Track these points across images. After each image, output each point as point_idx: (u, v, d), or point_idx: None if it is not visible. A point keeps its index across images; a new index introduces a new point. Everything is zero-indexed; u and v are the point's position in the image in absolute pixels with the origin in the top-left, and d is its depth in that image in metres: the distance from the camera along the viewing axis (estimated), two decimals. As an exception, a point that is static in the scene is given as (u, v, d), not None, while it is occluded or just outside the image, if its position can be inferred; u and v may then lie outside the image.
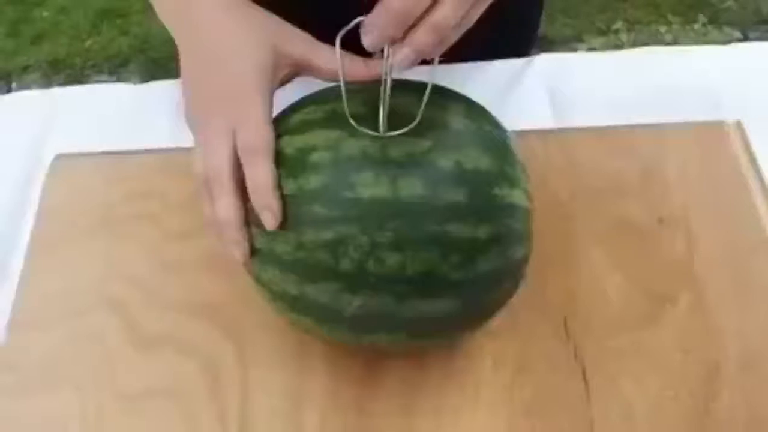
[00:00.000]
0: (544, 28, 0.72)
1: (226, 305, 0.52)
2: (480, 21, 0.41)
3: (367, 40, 0.38)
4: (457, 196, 0.40)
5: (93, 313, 0.53)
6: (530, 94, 0.66)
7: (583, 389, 0.49)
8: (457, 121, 0.42)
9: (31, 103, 0.67)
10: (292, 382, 0.49)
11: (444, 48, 0.39)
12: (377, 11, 0.37)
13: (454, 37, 0.39)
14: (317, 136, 0.41)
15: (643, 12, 1.78)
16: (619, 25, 1.74)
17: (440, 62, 0.40)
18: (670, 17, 1.75)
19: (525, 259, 0.44)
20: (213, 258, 0.54)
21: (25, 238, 0.57)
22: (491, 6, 0.41)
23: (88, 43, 1.81)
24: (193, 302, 0.53)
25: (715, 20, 0.70)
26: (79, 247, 0.56)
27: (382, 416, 0.48)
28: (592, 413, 0.48)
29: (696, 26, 1.64)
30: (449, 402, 0.48)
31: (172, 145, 0.61)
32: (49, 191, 0.59)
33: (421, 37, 0.37)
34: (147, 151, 0.61)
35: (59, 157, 0.61)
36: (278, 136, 0.43)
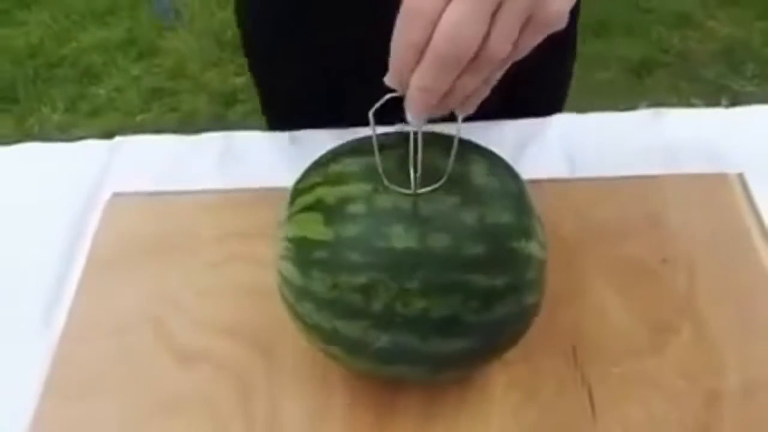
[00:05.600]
0: (568, 108, 0.77)
1: (257, 327, 0.57)
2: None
3: (410, 116, 0.41)
4: (478, 249, 0.43)
5: (136, 331, 0.57)
6: (546, 150, 0.71)
7: (589, 412, 0.51)
8: (480, 177, 0.46)
9: (91, 151, 0.74)
10: (315, 398, 0.53)
11: (475, 105, 0.43)
12: (411, 89, 0.40)
13: (482, 94, 0.42)
14: (355, 189, 0.45)
15: (666, 95, 1.85)
16: (642, 108, 1.83)
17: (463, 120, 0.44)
18: (692, 100, 1.81)
19: (537, 304, 0.48)
20: (246, 285, 0.59)
21: (80, 264, 0.63)
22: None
23: (139, 118, 1.94)
24: (226, 323, 0.57)
25: (736, 104, 0.75)
26: (129, 272, 0.61)
27: (399, 427, 0.51)
28: (598, 434, 0.50)
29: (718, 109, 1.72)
30: (463, 419, 0.51)
31: (215, 187, 0.68)
32: (105, 224, 0.65)
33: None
34: (193, 192, 0.68)
35: (116, 195, 0.67)
36: (319, 185, 0.47)
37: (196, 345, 0.56)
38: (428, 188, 0.44)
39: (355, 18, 0.60)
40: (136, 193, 0.67)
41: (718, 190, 0.64)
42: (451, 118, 0.44)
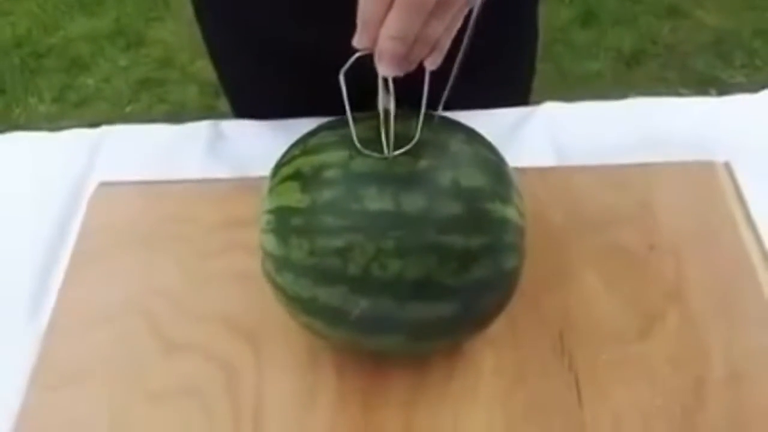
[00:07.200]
0: (557, 98, 0.77)
1: (245, 315, 0.57)
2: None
3: (382, 68, 0.43)
4: (453, 209, 0.44)
5: (123, 321, 0.57)
6: (533, 139, 0.71)
7: (576, 397, 0.52)
8: (455, 145, 0.47)
9: (77, 141, 0.73)
10: (303, 384, 0.53)
11: (441, 55, 0.45)
12: (382, 40, 0.42)
13: (445, 44, 0.45)
14: (330, 156, 0.46)
15: (654, 86, 1.85)
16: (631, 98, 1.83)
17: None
18: (681, 90, 1.81)
19: (516, 270, 0.48)
20: (234, 274, 0.59)
21: (66, 255, 0.62)
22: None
23: (128, 109, 1.92)
24: (215, 312, 0.57)
25: (725, 94, 0.75)
26: (116, 262, 0.61)
27: (386, 415, 0.51)
28: (584, 419, 0.51)
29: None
30: (450, 404, 0.52)
31: (202, 176, 0.68)
32: (91, 214, 0.65)
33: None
34: (180, 181, 0.67)
35: (103, 185, 0.67)
36: (297, 157, 0.48)
37: (184, 335, 0.56)
38: (400, 150, 0.45)
39: (322, 16, 0.62)
40: (122, 183, 0.67)
41: (705, 178, 0.64)
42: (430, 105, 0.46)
